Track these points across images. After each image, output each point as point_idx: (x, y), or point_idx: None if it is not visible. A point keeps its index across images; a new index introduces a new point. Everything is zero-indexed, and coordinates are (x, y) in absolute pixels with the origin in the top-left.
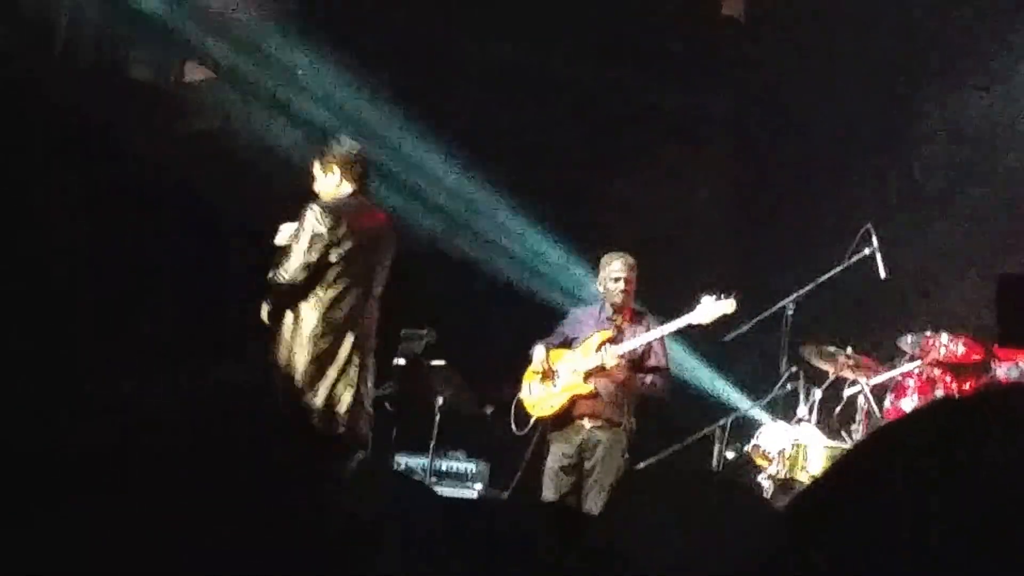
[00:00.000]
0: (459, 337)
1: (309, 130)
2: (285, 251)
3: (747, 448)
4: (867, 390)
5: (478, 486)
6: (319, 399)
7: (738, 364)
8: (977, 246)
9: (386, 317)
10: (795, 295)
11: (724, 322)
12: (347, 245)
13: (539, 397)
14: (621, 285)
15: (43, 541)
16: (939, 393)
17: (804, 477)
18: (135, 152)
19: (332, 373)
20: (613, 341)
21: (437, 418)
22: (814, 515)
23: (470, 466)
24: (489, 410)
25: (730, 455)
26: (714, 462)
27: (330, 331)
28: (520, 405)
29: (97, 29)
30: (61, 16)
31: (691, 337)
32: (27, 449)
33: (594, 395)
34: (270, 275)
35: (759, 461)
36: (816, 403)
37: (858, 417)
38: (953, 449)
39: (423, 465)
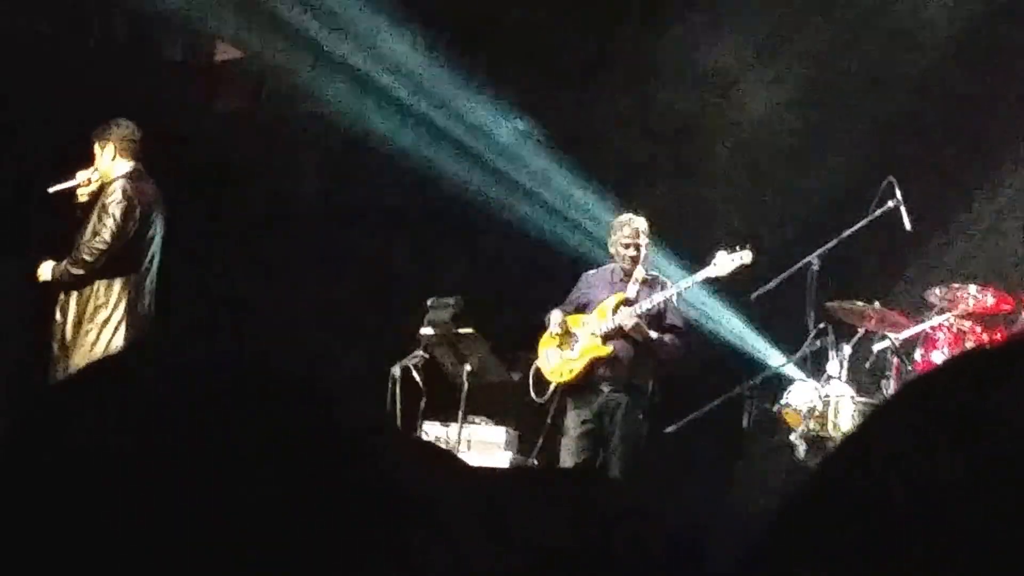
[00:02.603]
0: (487, 305)
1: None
2: (87, 230)
3: (776, 407)
4: (896, 345)
5: (508, 454)
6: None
7: (765, 322)
8: (1005, 196)
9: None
10: (820, 250)
11: (748, 278)
12: (142, 221)
13: (557, 363)
14: (632, 251)
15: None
16: (969, 345)
17: (835, 434)
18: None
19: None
20: (629, 303)
21: (465, 386)
22: (847, 472)
23: (500, 434)
24: (517, 377)
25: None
26: (744, 422)
27: (128, 302)
28: (538, 373)
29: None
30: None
31: (719, 295)
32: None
33: (613, 358)
34: (74, 254)
35: (789, 420)
36: (845, 359)
37: (888, 372)
38: (985, 400)
39: (451, 434)
